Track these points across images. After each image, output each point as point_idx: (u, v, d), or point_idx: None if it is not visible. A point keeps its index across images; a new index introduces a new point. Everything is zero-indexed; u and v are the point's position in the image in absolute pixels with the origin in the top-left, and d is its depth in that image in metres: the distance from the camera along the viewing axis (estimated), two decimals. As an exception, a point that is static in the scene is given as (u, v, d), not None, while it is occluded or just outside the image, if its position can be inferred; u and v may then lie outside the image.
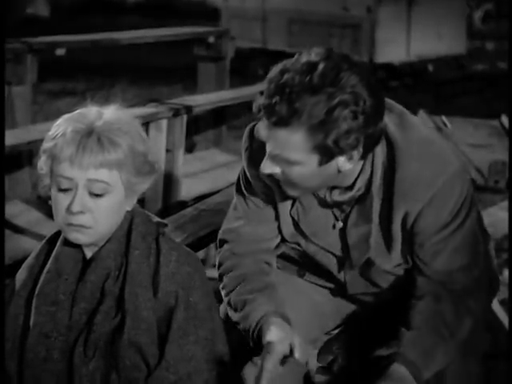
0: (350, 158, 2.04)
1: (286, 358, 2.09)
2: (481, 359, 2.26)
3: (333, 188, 2.17)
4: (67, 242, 2.09)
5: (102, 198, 2.01)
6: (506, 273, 4.32)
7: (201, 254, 4.54)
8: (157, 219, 2.16)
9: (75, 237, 2.04)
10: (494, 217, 4.20)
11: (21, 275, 2.16)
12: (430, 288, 2.17)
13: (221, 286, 2.34)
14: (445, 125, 6.36)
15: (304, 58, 2.00)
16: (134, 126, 2.07)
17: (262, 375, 2.03)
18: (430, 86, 11.07)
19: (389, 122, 2.12)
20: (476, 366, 2.24)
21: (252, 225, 2.33)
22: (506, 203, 4.60)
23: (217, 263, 2.40)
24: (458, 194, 2.12)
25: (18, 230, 5.12)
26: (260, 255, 2.34)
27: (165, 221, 2.18)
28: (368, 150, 2.06)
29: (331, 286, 2.40)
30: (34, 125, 5.71)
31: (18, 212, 5.43)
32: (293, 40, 11.45)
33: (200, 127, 7.20)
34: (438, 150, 2.15)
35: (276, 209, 2.30)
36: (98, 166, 1.99)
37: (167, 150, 5.36)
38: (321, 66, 1.97)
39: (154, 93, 9.71)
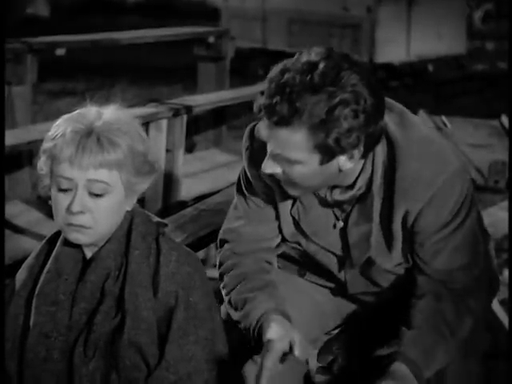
0: (351, 157, 2.04)
1: (285, 356, 2.09)
2: (481, 359, 2.26)
3: (333, 187, 2.17)
4: (67, 242, 2.09)
5: (101, 198, 2.01)
6: (506, 273, 4.32)
7: (201, 253, 4.54)
8: (157, 219, 2.16)
9: (75, 237, 2.04)
10: (494, 217, 4.20)
11: (21, 275, 2.16)
12: (431, 287, 2.17)
13: (221, 285, 2.34)
14: (445, 125, 6.36)
15: (304, 58, 2.00)
16: (134, 125, 2.07)
17: (262, 373, 2.03)
18: (430, 86, 11.07)
19: (389, 121, 2.12)
20: (476, 365, 2.24)
21: (252, 224, 2.33)
22: (506, 203, 4.60)
23: (217, 263, 2.40)
24: (458, 194, 2.12)
25: (18, 230, 5.12)
26: (260, 254, 2.34)
27: (165, 221, 2.18)
28: (369, 148, 2.06)
29: (332, 285, 2.40)
30: (34, 125, 5.71)
31: (18, 212, 5.43)
32: (293, 40, 11.45)
33: (200, 127, 7.20)
34: (438, 149, 2.15)
35: (276, 208, 2.30)
36: (97, 166, 1.99)
37: (167, 150, 5.36)
38: (321, 66, 1.97)
39: (154, 93, 9.72)
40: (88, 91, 9.52)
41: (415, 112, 2.25)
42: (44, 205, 5.15)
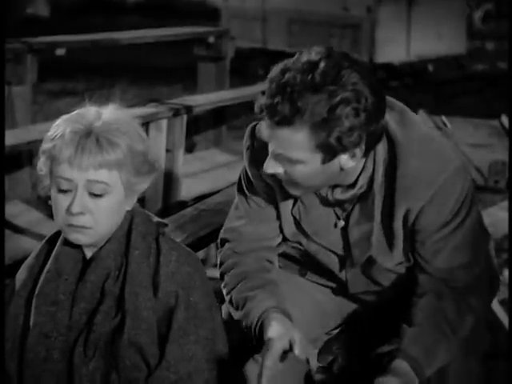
0: (353, 156, 2.04)
1: (285, 354, 2.09)
2: (481, 358, 2.26)
3: (335, 186, 2.17)
4: (67, 242, 2.09)
5: (101, 198, 2.01)
6: (506, 273, 4.32)
7: (201, 253, 4.54)
8: (157, 219, 2.16)
9: (75, 237, 2.04)
10: (494, 217, 4.21)
11: (21, 275, 2.16)
12: (432, 285, 2.17)
13: (222, 284, 2.34)
14: (445, 125, 6.36)
15: (305, 57, 2.00)
16: (133, 125, 2.07)
17: (263, 372, 2.03)
18: (430, 86, 11.07)
19: (390, 119, 2.13)
20: (477, 364, 2.24)
21: (253, 224, 2.33)
22: (506, 203, 4.61)
23: (218, 262, 2.40)
24: (459, 192, 2.13)
25: (18, 230, 5.12)
26: (261, 253, 2.35)
27: (165, 221, 2.18)
28: (370, 147, 2.06)
29: (333, 285, 2.41)
30: (34, 125, 5.71)
31: (18, 212, 5.43)
32: (293, 40, 11.45)
33: (200, 127, 7.20)
34: (438, 147, 2.16)
35: (277, 208, 2.30)
36: (97, 166, 1.98)
37: (167, 150, 5.36)
38: (322, 65, 1.97)
39: (154, 93, 9.72)
40: (88, 91, 9.52)
41: (415, 112, 2.25)
42: (44, 205, 5.14)
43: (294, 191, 2.15)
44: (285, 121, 1.98)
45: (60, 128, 2.02)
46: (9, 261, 3.98)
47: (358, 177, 2.14)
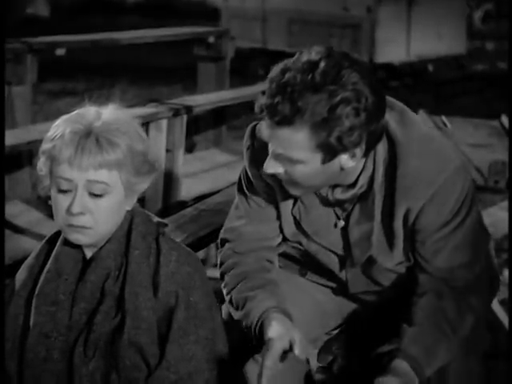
0: (353, 156, 2.04)
1: (285, 355, 2.09)
2: (481, 358, 2.26)
3: (335, 186, 2.17)
4: (67, 242, 2.09)
5: (101, 198, 2.01)
6: (506, 273, 4.32)
7: (201, 254, 4.54)
8: (157, 219, 2.16)
9: (76, 237, 2.04)
10: (494, 217, 4.20)
11: (21, 275, 2.16)
12: (432, 285, 2.17)
13: (222, 284, 2.34)
14: (445, 125, 6.36)
15: (305, 57, 2.00)
16: (133, 125, 2.07)
17: (263, 373, 2.03)
18: (430, 86, 11.07)
19: (390, 119, 2.13)
20: (477, 364, 2.24)
21: (253, 224, 2.33)
22: (505, 203, 4.60)
23: (218, 262, 2.40)
24: (459, 192, 2.13)
25: (18, 230, 5.11)
26: (262, 253, 2.35)
27: (165, 221, 2.18)
28: (370, 147, 2.06)
29: (333, 284, 2.41)
30: (34, 125, 5.71)
31: (18, 212, 5.43)
32: (293, 40, 11.45)
33: (200, 127, 7.20)
34: (438, 147, 2.16)
35: (278, 208, 2.30)
36: (97, 166, 1.98)
37: (167, 150, 5.36)
38: (322, 65, 1.97)
39: (153, 93, 9.72)
40: (88, 91, 9.53)
41: (415, 112, 2.25)
42: (44, 205, 5.14)
43: (294, 191, 2.15)
44: (285, 121, 1.98)
45: (60, 128, 2.02)
46: (9, 261, 3.98)
47: (359, 176, 2.14)
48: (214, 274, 2.59)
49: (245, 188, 2.34)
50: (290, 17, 11.57)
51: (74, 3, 18.10)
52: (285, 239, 2.36)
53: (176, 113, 5.41)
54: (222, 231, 2.41)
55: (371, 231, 2.20)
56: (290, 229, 2.31)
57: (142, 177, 2.07)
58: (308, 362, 2.14)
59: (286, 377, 2.12)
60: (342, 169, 2.07)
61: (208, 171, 6.46)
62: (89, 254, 2.09)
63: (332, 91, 1.95)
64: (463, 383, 2.22)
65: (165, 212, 5.08)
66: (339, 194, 2.18)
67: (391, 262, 2.23)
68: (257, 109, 2.03)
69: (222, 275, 2.36)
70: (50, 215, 2.10)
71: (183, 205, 5.11)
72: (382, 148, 2.13)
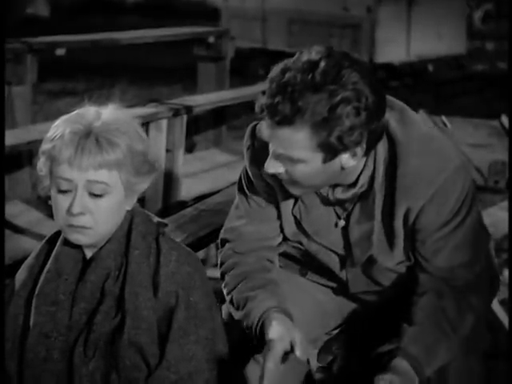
0: (354, 155, 2.04)
1: (286, 355, 2.09)
2: (482, 357, 2.26)
3: (335, 186, 2.17)
4: (67, 242, 2.09)
5: (101, 198, 2.01)
6: (506, 273, 4.32)
7: (201, 254, 4.54)
8: (157, 219, 2.16)
9: (76, 238, 2.04)
10: (494, 217, 4.20)
11: (21, 275, 2.16)
12: (432, 284, 2.17)
13: (223, 284, 2.34)
14: (445, 125, 6.36)
15: (305, 57, 2.00)
16: (133, 125, 2.07)
17: (264, 374, 2.03)
18: (430, 86, 11.07)
19: (390, 118, 2.13)
20: (477, 363, 2.24)
21: (254, 224, 2.33)
22: (505, 203, 4.60)
23: (218, 262, 2.40)
24: (459, 191, 2.13)
25: (18, 230, 5.12)
26: (262, 253, 2.35)
27: (165, 221, 2.18)
28: (371, 146, 2.06)
29: (333, 284, 2.41)
30: (34, 125, 5.71)
31: (18, 212, 5.43)
32: (293, 40, 11.45)
33: (200, 127, 7.20)
34: (438, 146, 2.16)
35: (278, 208, 2.30)
36: (97, 167, 1.98)
37: (167, 150, 5.36)
38: (322, 64, 1.97)
39: (153, 93, 9.72)
40: (88, 91, 9.53)
41: (415, 112, 2.25)
42: (44, 205, 5.14)
43: (294, 191, 2.15)
44: (285, 120, 1.98)
45: (59, 129, 2.01)
46: (9, 261, 3.98)
47: (359, 176, 2.14)
48: (214, 273, 2.59)
49: (245, 188, 2.34)
50: (289, 17, 11.57)
51: (73, 3, 18.10)
52: (285, 239, 2.36)
53: (176, 113, 5.42)
54: (222, 231, 2.41)
55: (371, 231, 2.20)
56: (290, 228, 2.31)
57: (142, 177, 2.07)
58: (308, 362, 2.14)
59: (287, 378, 2.12)
60: (342, 168, 2.07)
61: (208, 171, 6.46)
62: (89, 254, 2.09)
63: (332, 91, 1.95)
64: (463, 382, 2.22)
65: (165, 212, 5.08)
66: (340, 194, 2.18)
67: (391, 261, 2.23)
68: (257, 109, 2.03)
69: (223, 275, 2.36)
70: (50, 215, 2.10)
71: (183, 205, 5.11)
72: (382, 147, 2.13)
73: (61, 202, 2.01)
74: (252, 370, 2.17)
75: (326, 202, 2.23)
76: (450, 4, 11.54)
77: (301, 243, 2.33)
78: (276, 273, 2.36)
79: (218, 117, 7.18)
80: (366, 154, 2.08)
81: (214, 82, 7.24)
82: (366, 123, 1.98)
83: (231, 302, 2.30)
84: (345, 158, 2.04)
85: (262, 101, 2.01)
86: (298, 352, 2.10)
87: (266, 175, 2.19)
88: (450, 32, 11.55)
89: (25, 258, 2.22)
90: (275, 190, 2.26)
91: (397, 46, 11.06)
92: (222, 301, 2.33)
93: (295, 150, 2.02)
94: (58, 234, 2.14)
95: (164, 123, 5.34)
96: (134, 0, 19.35)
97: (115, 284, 2.06)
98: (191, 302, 2.06)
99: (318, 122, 1.96)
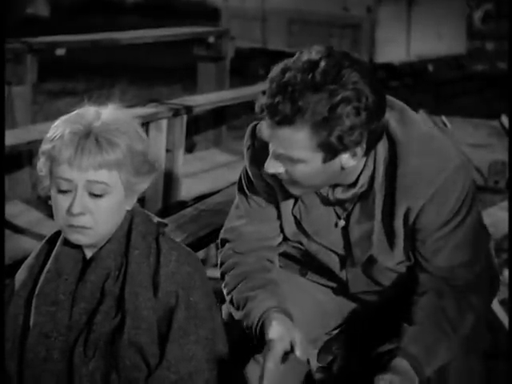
0: (354, 155, 2.04)
1: (286, 355, 2.09)
2: (482, 357, 2.26)
3: (335, 186, 2.17)
4: (67, 242, 2.09)
5: (101, 198, 2.01)
6: (506, 273, 4.32)
7: (201, 254, 4.54)
8: (157, 219, 2.16)
9: (76, 238, 2.04)
10: (494, 217, 4.20)
11: (21, 275, 2.16)
12: (432, 284, 2.17)
13: (223, 284, 2.34)
14: (445, 125, 6.36)
15: (305, 57, 2.00)
16: (133, 125, 2.07)
17: (264, 374, 2.03)
18: (430, 86, 11.07)
19: (390, 118, 2.13)
20: (478, 363, 2.24)
21: (254, 224, 2.33)
22: (505, 203, 4.60)
23: (218, 262, 2.40)
24: (460, 191, 2.13)
25: (18, 230, 5.12)
26: (262, 253, 2.35)
27: (165, 221, 2.18)
28: (371, 146, 2.07)
29: (333, 284, 2.41)
30: (34, 125, 5.71)
31: (18, 212, 5.43)
32: (293, 40, 11.45)
33: (200, 127, 7.20)
34: (438, 145, 2.16)
35: (278, 207, 2.30)
36: (97, 167, 1.98)
37: (167, 150, 5.36)
38: (322, 64, 1.97)
39: (153, 93, 9.72)
40: (88, 91, 9.53)
41: (415, 112, 2.25)
42: (44, 205, 5.14)
43: (294, 191, 2.15)
44: (286, 120, 1.98)
45: (59, 129, 2.01)
46: (9, 261, 3.98)
47: (359, 176, 2.14)
48: (214, 273, 2.59)
49: (245, 188, 2.34)
50: (289, 17, 11.58)
51: (73, 3, 18.10)
52: (285, 239, 2.36)
53: (176, 113, 5.42)
54: (222, 231, 2.41)
55: (372, 230, 2.20)
56: (290, 228, 2.31)
57: (142, 177, 2.07)
58: (308, 362, 2.14)
59: (287, 378, 2.12)
60: (342, 168, 2.07)
61: (208, 171, 6.46)
62: (89, 254, 2.09)
63: (332, 90, 1.95)
64: (463, 382, 2.22)
65: (165, 212, 5.08)
66: (340, 194, 2.18)
67: (392, 261, 2.23)
68: (257, 109, 2.03)
69: (223, 275, 2.36)
70: (50, 215, 2.10)
71: (183, 205, 5.11)
72: (382, 147, 2.13)
73: (61, 202, 2.01)
74: (252, 370, 2.17)
75: (326, 201, 2.23)
76: (450, 4, 11.54)
77: (301, 243, 2.33)
78: (276, 273, 2.36)
79: (218, 117, 7.18)
80: (366, 153, 2.08)
81: (214, 82, 7.24)
82: (366, 123, 1.99)
83: (231, 302, 2.30)
84: (345, 158, 2.04)
85: (262, 101, 2.01)
86: (298, 352, 2.10)
87: (266, 175, 2.19)
88: (450, 32, 11.55)
89: (25, 257, 2.22)
90: (275, 190, 2.26)
91: (397, 46, 11.06)
92: (222, 301, 2.33)
93: (295, 149, 2.02)
94: (58, 233, 2.14)
95: (164, 123, 5.34)
96: (134, 0, 19.35)
97: (115, 284, 2.06)
98: (191, 301, 2.05)
99: (318, 121, 1.96)
